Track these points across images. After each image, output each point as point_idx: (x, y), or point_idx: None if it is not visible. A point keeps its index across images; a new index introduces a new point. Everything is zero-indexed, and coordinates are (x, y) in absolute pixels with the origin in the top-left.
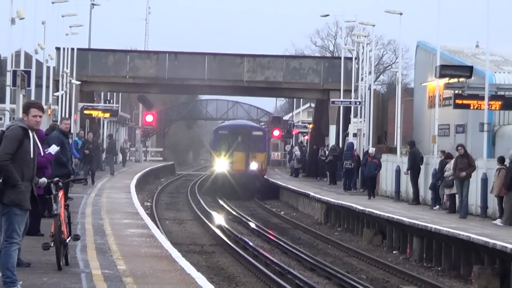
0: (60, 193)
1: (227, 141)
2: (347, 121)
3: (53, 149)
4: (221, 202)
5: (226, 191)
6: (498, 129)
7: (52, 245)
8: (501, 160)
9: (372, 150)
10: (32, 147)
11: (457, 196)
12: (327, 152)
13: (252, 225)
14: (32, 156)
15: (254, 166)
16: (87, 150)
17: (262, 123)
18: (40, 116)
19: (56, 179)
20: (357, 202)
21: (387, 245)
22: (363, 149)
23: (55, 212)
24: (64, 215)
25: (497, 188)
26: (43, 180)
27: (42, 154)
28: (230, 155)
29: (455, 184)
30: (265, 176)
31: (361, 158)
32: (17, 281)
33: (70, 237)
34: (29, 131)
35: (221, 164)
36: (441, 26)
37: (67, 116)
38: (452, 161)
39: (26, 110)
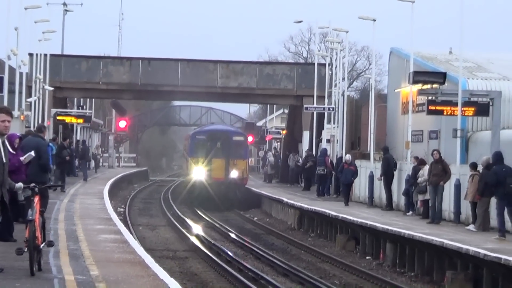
0: (36, 199)
1: (205, 147)
2: (320, 127)
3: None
4: (197, 211)
5: (203, 201)
6: (471, 135)
7: (25, 250)
8: (474, 166)
9: (348, 157)
10: (2, 153)
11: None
12: (298, 159)
13: (226, 231)
14: (3, 161)
15: (234, 174)
16: (67, 156)
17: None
18: (9, 121)
19: (32, 184)
20: (331, 208)
21: (360, 250)
22: (337, 155)
23: (30, 217)
24: (39, 221)
25: (470, 194)
26: (19, 184)
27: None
28: (208, 162)
29: (429, 190)
30: (246, 186)
31: (334, 164)
32: None
33: (44, 243)
34: None
35: (199, 172)
36: (414, 33)
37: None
38: (426, 167)
39: None
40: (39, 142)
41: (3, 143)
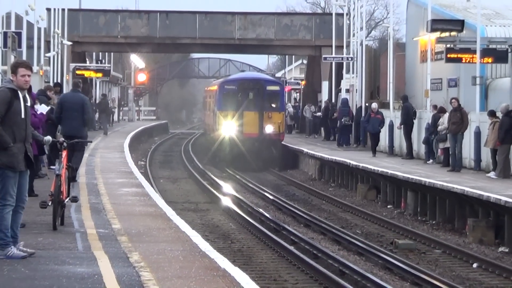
0: (64, 153)
1: (235, 98)
2: (339, 77)
3: (44, 108)
4: (228, 170)
5: (234, 161)
6: (490, 82)
7: (50, 204)
8: (492, 113)
9: (375, 105)
10: (23, 108)
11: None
12: (315, 110)
13: (246, 182)
14: (23, 116)
15: (269, 129)
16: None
17: None
18: (29, 75)
19: (61, 139)
20: (353, 157)
21: (381, 199)
22: (356, 105)
23: (57, 172)
24: (65, 176)
25: (491, 141)
26: (48, 138)
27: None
28: (239, 115)
29: (448, 138)
30: (283, 142)
31: (354, 114)
32: (10, 243)
33: (68, 198)
34: (19, 91)
35: (229, 127)
36: None
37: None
38: (446, 115)
39: (14, 70)
40: (84, 98)
41: (24, 97)
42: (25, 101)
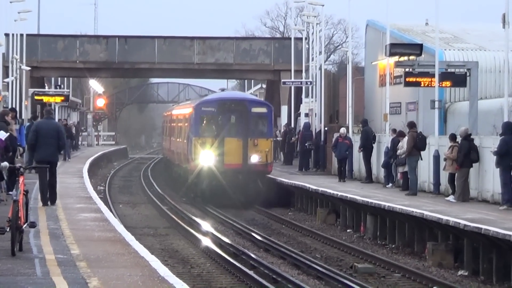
0: (21, 179)
1: (214, 122)
2: (298, 101)
3: (2, 135)
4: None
5: (214, 196)
6: (449, 106)
7: (8, 230)
8: (453, 137)
9: (343, 130)
10: None
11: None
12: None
13: (205, 207)
14: None
15: (255, 158)
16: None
17: None
18: None
19: (18, 165)
20: (311, 182)
21: (341, 223)
22: (315, 129)
23: (14, 198)
24: (23, 201)
25: (449, 165)
26: (5, 164)
27: None
28: (219, 143)
29: (408, 161)
30: (270, 174)
31: (314, 138)
32: None
33: (26, 224)
34: None
35: (207, 157)
36: (390, 5)
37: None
38: (405, 139)
39: None
40: (59, 125)
41: None
42: None
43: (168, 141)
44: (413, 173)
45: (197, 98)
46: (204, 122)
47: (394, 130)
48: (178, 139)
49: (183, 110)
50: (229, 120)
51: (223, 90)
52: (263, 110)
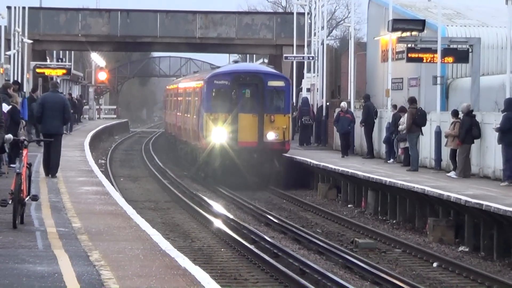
0: (24, 152)
1: (228, 96)
2: (300, 76)
3: (5, 107)
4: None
5: (226, 176)
6: (451, 82)
7: (10, 202)
8: (455, 113)
9: (344, 104)
10: None
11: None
12: None
13: (207, 182)
14: None
15: (271, 136)
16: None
17: None
18: None
19: (22, 137)
20: (313, 156)
21: (342, 199)
22: (317, 104)
23: (17, 170)
24: (25, 174)
25: (451, 141)
26: (9, 136)
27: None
28: (233, 119)
29: (408, 137)
30: (287, 153)
31: (315, 113)
32: None
33: (28, 197)
34: None
35: (219, 134)
36: None
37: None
38: (406, 115)
39: None
40: (64, 98)
41: None
42: None
43: (173, 116)
44: (414, 149)
45: (207, 70)
46: (217, 96)
47: (395, 106)
48: (186, 114)
49: (191, 83)
50: (243, 94)
51: (236, 62)
52: (280, 83)
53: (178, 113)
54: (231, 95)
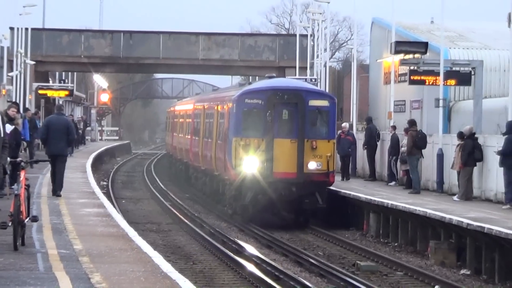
0: (22, 174)
1: (260, 118)
2: None
3: (8, 128)
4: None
5: (259, 213)
6: (453, 104)
7: (10, 224)
8: (461, 135)
9: (345, 125)
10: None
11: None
12: None
13: (209, 204)
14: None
15: (313, 165)
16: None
17: None
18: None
19: (19, 159)
20: None
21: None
22: None
23: (16, 192)
24: (24, 196)
25: (458, 163)
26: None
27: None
28: (268, 145)
29: (408, 160)
30: (332, 186)
31: None
32: None
33: (28, 218)
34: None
35: (251, 164)
36: (396, 2)
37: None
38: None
39: None
40: (68, 121)
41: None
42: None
43: (183, 140)
44: (415, 171)
45: (235, 86)
46: (248, 118)
47: (394, 127)
48: (207, 139)
49: (214, 102)
50: (280, 115)
51: (271, 77)
52: (324, 103)
53: (193, 137)
54: (265, 116)
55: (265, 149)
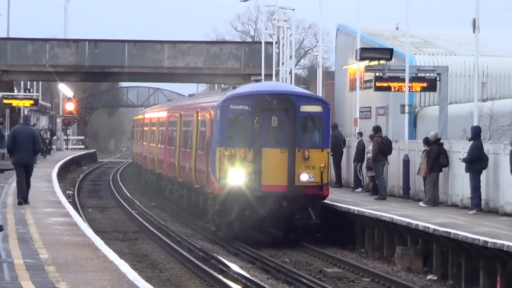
0: None
1: (247, 126)
2: None
3: None
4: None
5: (246, 230)
6: (419, 110)
7: None
8: (427, 141)
9: None
10: None
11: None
12: None
13: (176, 211)
14: None
15: (305, 177)
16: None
17: None
18: None
19: None
20: None
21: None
22: None
23: None
24: None
25: (424, 169)
26: None
27: None
28: (255, 156)
29: (373, 166)
30: (326, 199)
31: None
32: None
33: None
34: None
35: (236, 176)
36: (361, 9)
37: None
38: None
39: None
40: (34, 130)
41: None
42: None
43: (154, 149)
44: (381, 177)
45: (217, 92)
46: (233, 125)
47: (360, 134)
48: (185, 149)
49: (191, 109)
50: (269, 122)
51: (258, 80)
52: (317, 108)
53: (167, 146)
54: (252, 124)
55: (252, 159)
